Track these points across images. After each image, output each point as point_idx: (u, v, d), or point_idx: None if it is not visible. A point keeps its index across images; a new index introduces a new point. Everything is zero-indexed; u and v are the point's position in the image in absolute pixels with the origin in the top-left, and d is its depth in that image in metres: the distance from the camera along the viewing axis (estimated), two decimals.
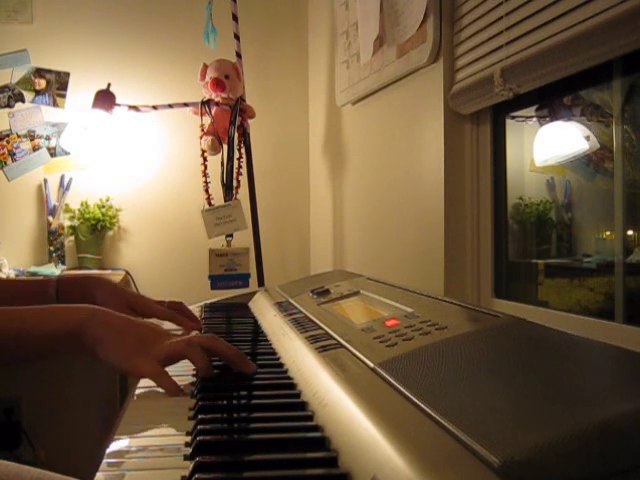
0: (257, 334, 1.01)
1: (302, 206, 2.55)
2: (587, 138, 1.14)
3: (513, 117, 1.33)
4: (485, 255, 1.35)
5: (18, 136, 2.32)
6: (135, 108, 2.01)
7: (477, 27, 1.23)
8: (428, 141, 1.42)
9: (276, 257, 2.45)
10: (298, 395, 0.64)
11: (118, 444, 0.55)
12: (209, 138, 1.87)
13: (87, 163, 2.36)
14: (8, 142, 2.32)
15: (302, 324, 0.89)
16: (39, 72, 2.33)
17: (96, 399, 2.01)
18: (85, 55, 2.36)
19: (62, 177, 2.32)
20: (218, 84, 1.87)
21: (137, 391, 0.72)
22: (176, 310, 1.08)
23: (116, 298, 1.01)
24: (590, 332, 1.00)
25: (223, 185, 1.89)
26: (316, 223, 2.47)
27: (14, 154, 2.32)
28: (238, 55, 2.02)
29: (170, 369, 0.75)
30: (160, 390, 0.71)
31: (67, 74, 2.35)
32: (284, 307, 1.08)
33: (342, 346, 0.71)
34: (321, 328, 0.83)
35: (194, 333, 0.83)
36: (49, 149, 2.34)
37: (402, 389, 0.51)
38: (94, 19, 2.37)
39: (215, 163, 1.90)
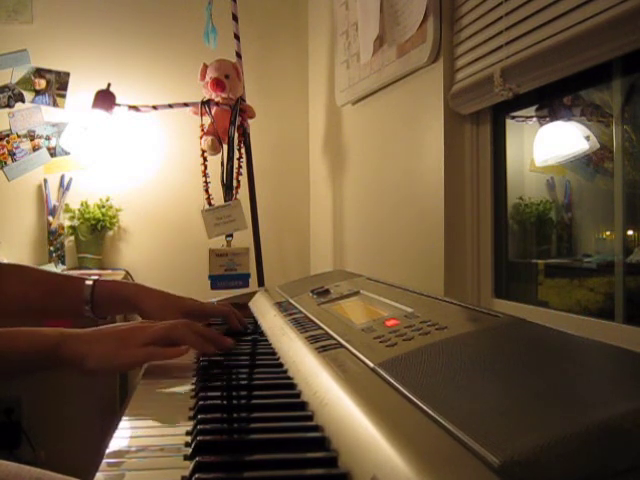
0: (257, 334, 1.01)
1: (302, 206, 2.55)
2: (587, 138, 1.14)
3: (513, 117, 1.33)
4: (485, 255, 1.35)
5: (18, 136, 2.32)
6: (135, 108, 2.01)
7: (477, 27, 1.23)
8: (428, 141, 1.42)
9: (276, 257, 2.45)
10: (298, 395, 0.64)
11: (118, 444, 0.55)
12: (209, 138, 1.87)
13: (87, 163, 2.36)
14: (8, 142, 2.32)
15: (302, 324, 0.88)
16: (39, 72, 2.33)
17: (96, 399, 2.01)
18: (85, 55, 2.36)
19: (62, 177, 2.32)
20: (218, 84, 1.87)
21: (137, 390, 0.72)
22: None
23: (168, 307, 0.98)
24: (590, 332, 1.00)
25: (223, 185, 1.89)
26: (316, 223, 2.48)
27: (14, 154, 2.32)
28: (238, 55, 2.02)
29: None
30: (160, 390, 0.71)
31: (67, 74, 2.35)
32: (284, 307, 1.08)
33: (342, 346, 0.71)
34: (321, 328, 0.83)
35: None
36: (49, 149, 2.34)
37: (402, 389, 0.51)
38: (94, 19, 2.37)
39: (215, 163, 1.90)
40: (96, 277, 1.03)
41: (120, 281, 1.06)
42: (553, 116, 1.24)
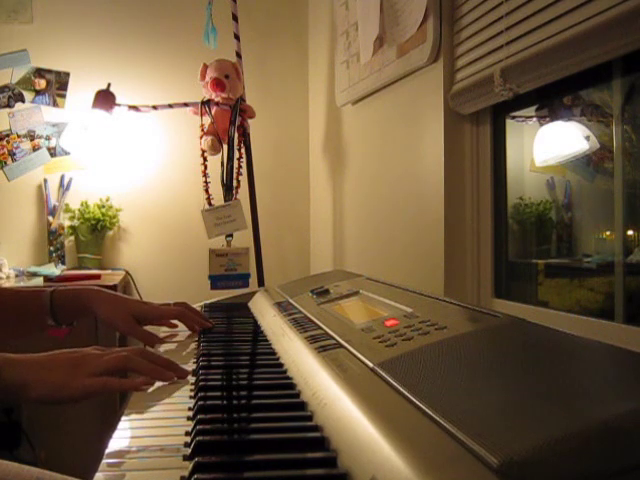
0: (257, 334, 1.01)
1: (302, 206, 2.55)
2: (587, 138, 1.14)
3: (513, 117, 1.33)
4: (485, 255, 1.35)
5: (18, 136, 2.32)
6: (135, 108, 2.01)
7: (477, 27, 1.23)
8: (428, 141, 1.42)
9: (276, 257, 2.45)
10: (297, 395, 0.64)
11: (118, 444, 0.55)
12: (209, 138, 1.87)
13: (87, 163, 2.37)
14: (8, 142, 2.32)
15: (302, 324, 0.88)
16: (39, 72, 2.33)
17: (96, 399, 2.01)
18: (85, 55, 2.36)
19: (62, 177, 2.33)
20: (218, 84, 1.87)
21: (136, 391, 0.72)
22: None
23: (117, 310, 0.97)
24: (590, 332, 1.00)
25: (223, 185, 1.89)
26: (316, 223, 2.47)
27: (14, 154, 2.32)
28: (238, 55, 2.02)
29: None
30: (159, 390, 0.71)
31: (67, 74, 2.35)
32: (284, 307, 1.08)
33: (342, 346, 0.71)
34: (321, 328, 0.83)
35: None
36: (49, 149, 2.34)
37: (401, 389, 0.51)
38: (94, 19, 2.37)
39: (215, 163, 1.90)
40: (53, 287, 1.00)
41: (76, 288, 1.02)
42: (553, 116, 1.24)
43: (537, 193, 1.33)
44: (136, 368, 0.74)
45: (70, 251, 2.33)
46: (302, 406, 0.61)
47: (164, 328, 1.07)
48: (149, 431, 0.59)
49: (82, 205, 2.31)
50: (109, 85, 2.00)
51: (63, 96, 2.35)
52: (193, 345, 0.96)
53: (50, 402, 0.70)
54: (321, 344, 0.74)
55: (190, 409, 0.63)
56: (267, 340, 0.94)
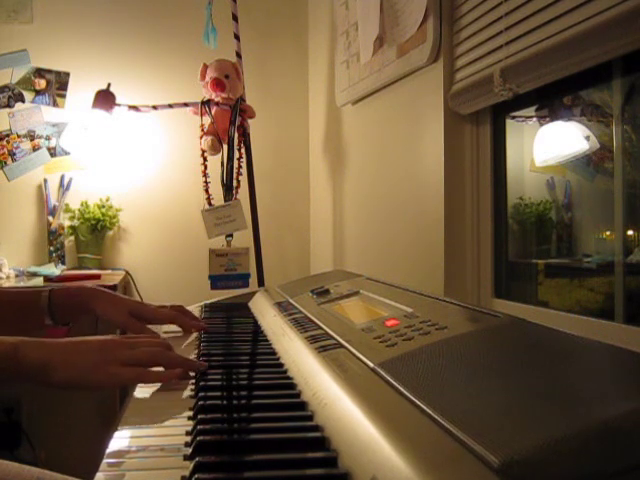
0: (257, 334, 1.01)
1: (302, 206, 2.55)
2: (587, 138, 1.14)
3: (513, 117, 1.33)
4: (485, 255, 1.35)
5: (18, 136, 2.32)
6: (135, 108, 2.01)
7: (477, 27, 1.23)
8: (428, 141, 1.42)
9: (276, 257, 2.45)
10: (298, 395, 0.64)
11: (118, 444, 0.55)
12: (209, 138, 1.87)
13: (87, 163, 2.37)
14: (8, 142, 2.32)
15: (302, 324, 0.88)
16: (39, 72, 2.33)
17: (96, 399, 2.01)
18: (85, 55, 2.36)
19: (62, 177, 2.33)
20: (218, 84, 1.87)
21: (137, 391, 0.72)
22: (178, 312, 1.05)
23: (116, 307, 0.97)
24: (590, 332, 1.00)
25: (223, 185, 1.89)
26: (316, 223, 2.48)
27: (14, 154, 2.32)
28: (238, 55, 2.02)
29: None
30: (159, 390, 0.71)
31: (67, 74, 2.35)
32: (284, 307, 1.08)
33: (342, 346, 0.71)
34: (321, 328, 0.83)
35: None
36: (49, 149, 2.34)
37: (402, 389, 0.51)
38: (94, 19, 2.37)
39: (215, 163, 1.90)
40: (50, 287, 0.99)
41: (74, 286, 1.01)
42: (553, 116, 1.24)
43: (537, 193, 1.33)
44: (167, 365, 0.73)
45: (70, 251, 2.33)
46: (302, 406, 0.61)
47: (165, 327, 1.07)
48: (149, 431, 0.59)
49: (82, 205, 2.31)
50: (109, 85, 2.00)
51: (63, 96, 2.35)
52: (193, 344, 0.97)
53: (74, 387, 0.66)
54: (321, 344, 0.74)
55: (191, 409, 0.63)
56: (267, 340, 0.94)
